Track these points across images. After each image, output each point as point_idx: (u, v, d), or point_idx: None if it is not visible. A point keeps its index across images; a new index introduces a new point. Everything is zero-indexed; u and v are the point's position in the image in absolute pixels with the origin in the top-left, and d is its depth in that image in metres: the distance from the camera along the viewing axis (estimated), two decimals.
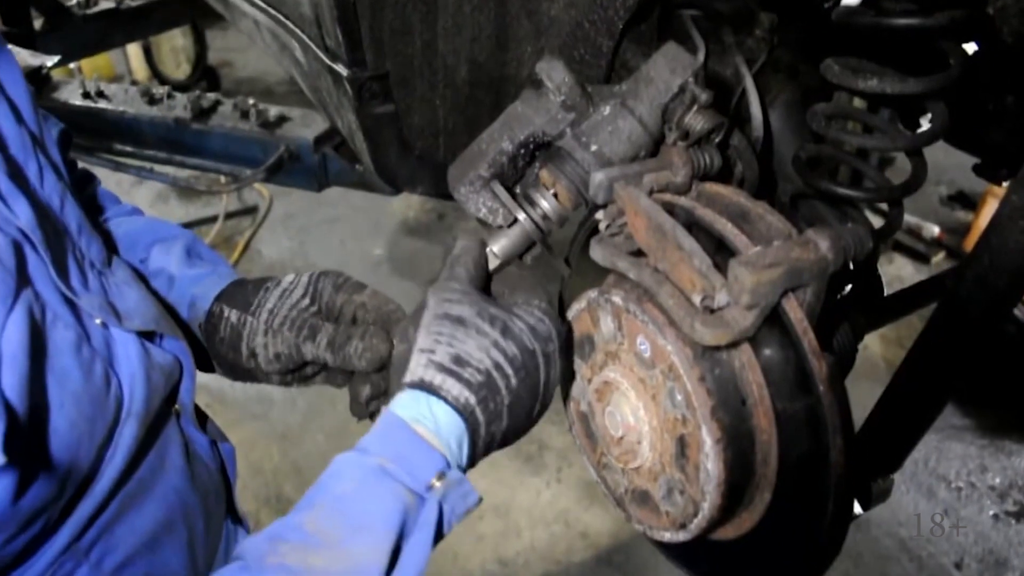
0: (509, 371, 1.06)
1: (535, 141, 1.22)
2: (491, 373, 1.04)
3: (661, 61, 1.21)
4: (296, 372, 1.39)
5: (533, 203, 1.23)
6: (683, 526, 1.16)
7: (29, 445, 0.96)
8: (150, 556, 1.23)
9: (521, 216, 1.21)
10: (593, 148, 1.20)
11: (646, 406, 1.16)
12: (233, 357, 1.37)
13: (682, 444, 1.12)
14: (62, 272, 1.09)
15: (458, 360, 1.04)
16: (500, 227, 1.22)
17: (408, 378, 1.04)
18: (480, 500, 1.04)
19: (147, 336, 1.22)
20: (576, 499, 3.84)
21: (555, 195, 1.22)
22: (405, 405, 1.03)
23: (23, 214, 1.05)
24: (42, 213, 1.10)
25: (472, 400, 1.03)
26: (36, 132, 1.19)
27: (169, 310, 1.38)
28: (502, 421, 1.06)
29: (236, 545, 1.46)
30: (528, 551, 3.64)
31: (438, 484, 0.98)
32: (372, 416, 1.36)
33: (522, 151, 1.22)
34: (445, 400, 1.02)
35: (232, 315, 1.36)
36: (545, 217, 1.23)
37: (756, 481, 1.13)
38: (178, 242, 1.47)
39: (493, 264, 1.24)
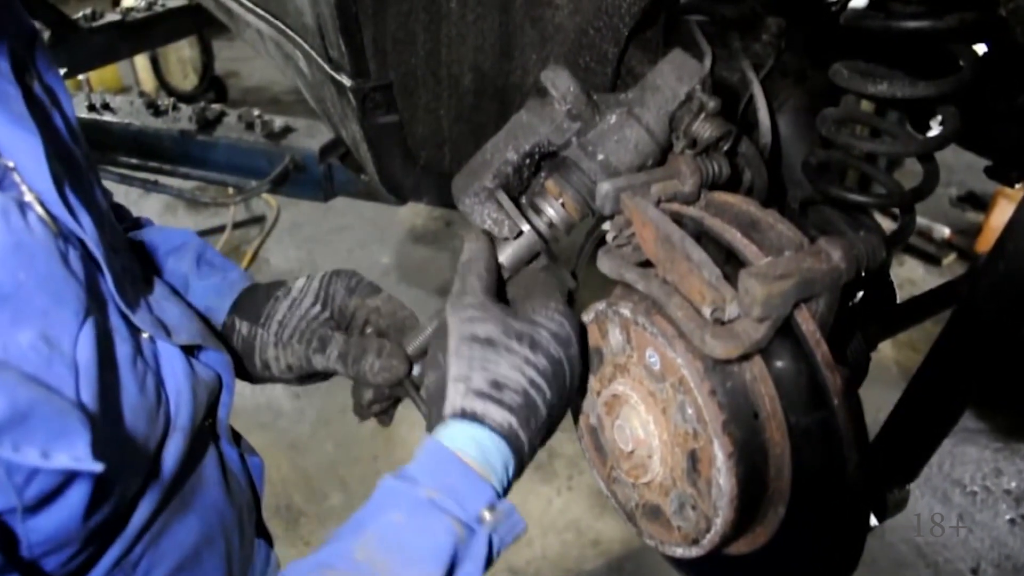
0: (543, 386, 1.05)
1: (540, 151, 1.20)
2: (528, 392, 1.04)
3: (667, 68, 1.19)
4: (313, 376, 1.40)
5: (539, 212, 1.22)
6: (695, 541, 1.14)
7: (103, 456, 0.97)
8: (193, 570, 1.24)
9: (526, 227, 1.19)
10: (599, 157, 1.18)
11: (656, 420, 1.14)
12: (248, 367, 1.39)
13: (693, 458, 1.10)
14: (119, 286, 1.11)
15: (496, 384, 1.03)
16: (506, 239, 1.20)
17: (449, 410, 1.03)
18: (526, 528, 1.02)
19: (189, 350, 1.23)
20: (587, 507, 3.82)
21: (562, 204, 1.21)
22: (450, 436, 1.01)
23: (88, 228, 1.06)
24: (101, 228, 1.11)
25: (515, 424, 1.02)
26: (86, 150, 1.21)
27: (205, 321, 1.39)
28: (541, 434, 1.07)
29: (258, 558, 1.47)
30: (539, 560, 3.62)
31: (489, 517, 0.96)
32: (377, 416, 1.37)
33: (527, 161, 1.21)
34: (489, 427, 1.01)
35: (243, 327, 1.37)
36: (551, 225, 1.22)
37: (770, 495, 1.11)
38: (189, 251, 1.48)
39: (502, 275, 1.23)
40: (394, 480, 0.99)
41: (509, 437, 1.02)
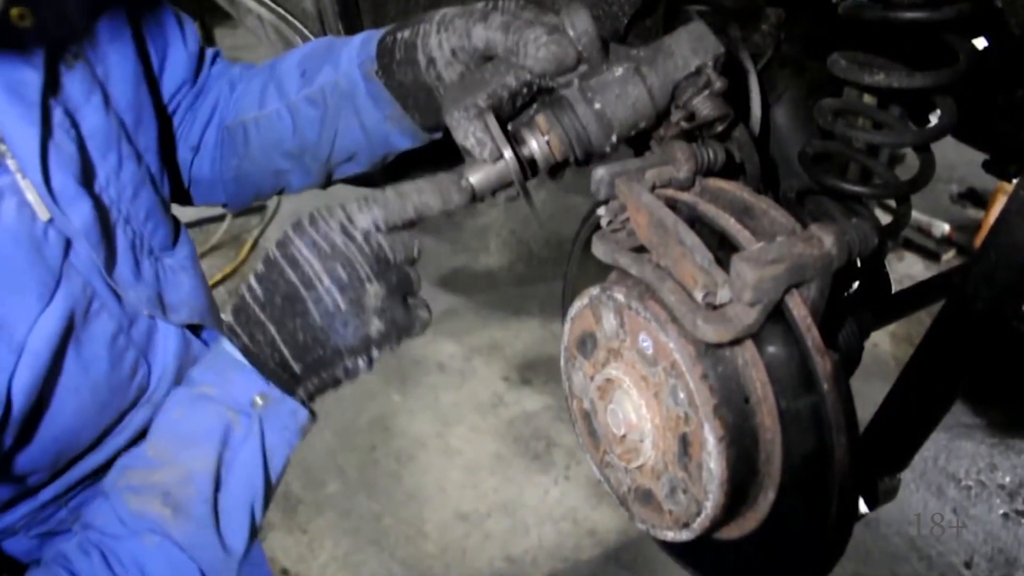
0: (257, 289, 1.08)
1: (540, 84, 1.19)
2: (244, 295, 1.10)
3: (685, 37, 1.18)
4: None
5: (522, 143, 1.18)
6: (686, 525, 1.15)
7: (25, 429, 1.08)
8: None
9: (508, 155, 1.16)
10: (596, 107, 1.16)
11: (648, 404, 1.15)
12: (413, 76, 1.28)
13: (685, 442, 1.10)
14: (113, 264, 1.17)
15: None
16: (484, 161, 1.18)
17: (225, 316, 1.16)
18: (313, 416, 1.20)
19: (194, 328, 1.32)
20: (584, 497, 3.83)
21: (547, 142, 1.18)
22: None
23: (82, 212, 1.11)
24: (104, 209, 1.17)
25: (230, 319, 1.12)
26: (130, 119, 1.25)
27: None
28: (267, 328, 1.08)
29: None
30: (536, 549, 3.63)
31: (260, 402, 1.11)
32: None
33: (524, 91, 1.18)
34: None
35: (404, 33, 1.28)
36: (532, 161, 1.19)
37: (760, 480, 1.12)
38: (263, 69, 1.63)
39: (464, 198, 1.17)
40: (179, 387, 1.15)
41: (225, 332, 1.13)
